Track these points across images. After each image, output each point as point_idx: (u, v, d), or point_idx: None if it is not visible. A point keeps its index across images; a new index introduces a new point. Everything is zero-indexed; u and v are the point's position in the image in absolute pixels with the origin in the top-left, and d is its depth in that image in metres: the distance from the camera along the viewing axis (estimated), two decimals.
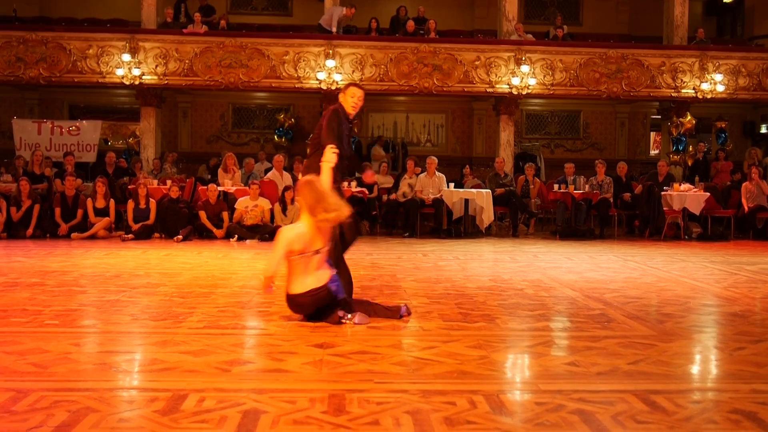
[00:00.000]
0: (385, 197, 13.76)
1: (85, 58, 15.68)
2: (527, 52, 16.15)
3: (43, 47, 15.61)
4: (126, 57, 15.52)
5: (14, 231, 11.69)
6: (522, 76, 16.04)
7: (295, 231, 5.28)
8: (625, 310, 6.02)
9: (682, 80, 16.45)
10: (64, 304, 6.01)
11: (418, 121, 19.50)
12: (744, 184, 13.56)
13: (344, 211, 5.28)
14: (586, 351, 4.62)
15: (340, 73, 15.76)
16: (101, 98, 18.90)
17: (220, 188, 12.72)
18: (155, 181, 13.52)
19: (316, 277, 5.25)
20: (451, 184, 13.32)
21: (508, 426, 3.27)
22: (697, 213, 12.92)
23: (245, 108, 19.42)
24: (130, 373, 4.10)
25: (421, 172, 13.60)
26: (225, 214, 12.12)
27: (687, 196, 12.85)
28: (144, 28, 16.24)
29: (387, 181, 14.34)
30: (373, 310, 5.48)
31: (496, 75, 16.12)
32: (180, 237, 11.48)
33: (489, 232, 13.41)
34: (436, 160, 13.63)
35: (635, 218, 13.86)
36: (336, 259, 5.60)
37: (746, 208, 13.32)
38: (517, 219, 13.60)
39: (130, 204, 12.12)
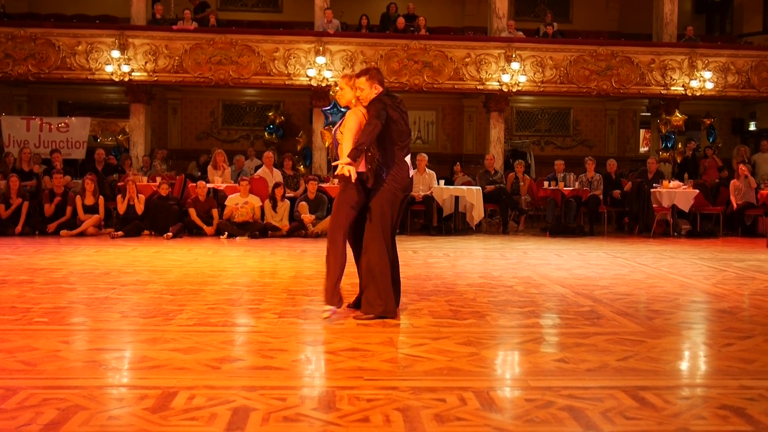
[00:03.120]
0: None
1: (74, 55, 15.60)
2: (517, 49, 16.17)
3: (32, 43, 15.53)
4: (115, 53, 15.45)
5: (3, 228, 11.64)
6: (512, 73, 16.06)
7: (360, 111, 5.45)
8: (615, 307, 6.04)
9: (671, 77, 16.51)
10: (53, 302, 5.99)
11: (409, 117, 19.43)
12: (732, 182, 13.62)
13: None
14: (575, 347, 4.63)
15: (331, 70, 15.74)
16: (90, 95, 18.82)
17: (209, 185, 12.69)
18: (145, 178, 13.48)
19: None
20: (441, 181, 13.32)
21: (497, 422, 3.28)
22: (686, 210, 12.98)
23: (235, 105, 19.38)
24: (119, 371, 4.09)
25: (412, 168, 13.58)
26: (215, 211, 12.10)
27: (676, 193, 12.90)
28: (133, 24, 16.16)
29: None
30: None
31: (487, 72, 16.14)
32: (170, 234, 11.45)
33: (479, 229, 13.43)
34: (427, 157, 13.62)
35: (625, 215, 13.91)
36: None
37: (735, 205, 13.38)
38: (507, 216, 13.63)
39: (119, 201, 12.09)
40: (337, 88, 5.60)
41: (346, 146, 5.31)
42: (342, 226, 5.41)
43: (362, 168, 5.43)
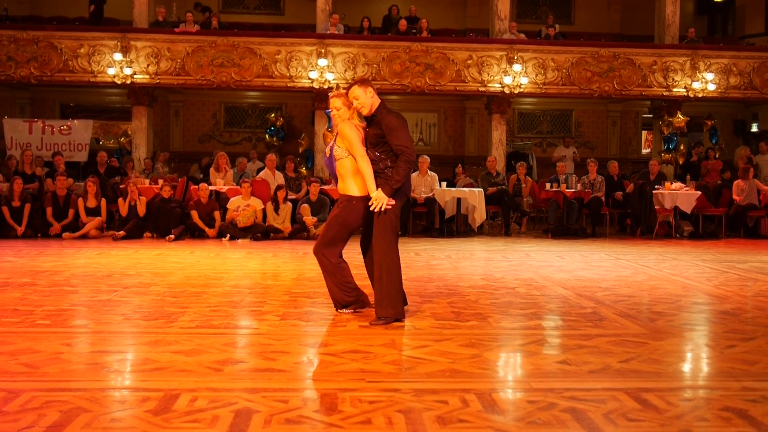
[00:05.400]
0: None
1: (77, 57, 15.63)
2: (519, 51, 16.18)
3: (34, 46, 15.56)
4: (117, 56, 15.48)
5: (5, 231, 11.65)
6: (514, 75, 16.07)
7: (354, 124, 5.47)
8: (617, 309, 6.04)
9: (673, 79, 16.51)
10: (55, 304, 5.99)
11: (411, 120, 19.48)
12: (736, 182, 13.60)
13: None
14: (577, 349, 4.63)
15: (332, 72, 15.76)
16: (93, 97, 18.85)
17: (211, 187, 12.70)
18: (147, 181, 13.50)
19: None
20: (444, 183, 13.33)
21: (500, 424, 3.27)
22: (689, 211, 12.96)
23: (237, 107, 19.40)
24: (121, 373, 4.09)
25: (414, 170, 13.59)
26: (217, 214, 12.11)
27: (678, 194, 12.89)
28: (136, 27, 16.20)
29: None
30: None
31: (489, 74, 16.15)
32: (172, 236, 11.46)
33: (481, 231, 13.43)
34: (429, 159, 13.64)
35: (627, 217, 13.91)
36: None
37: (737, 198, 13.32)
38: (510, 218, 13.63)
39: (121, 203, 12.11)
40: (333, 110, 5.52)
41: (361, 164, 5.36)
42: (340, 242, 5.52)
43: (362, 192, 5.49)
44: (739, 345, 4.82)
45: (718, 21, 22.26)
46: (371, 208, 5.35)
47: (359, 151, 5.38)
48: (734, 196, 13.45)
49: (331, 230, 5.50)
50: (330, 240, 5.48)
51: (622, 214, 14.15)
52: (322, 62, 15.70)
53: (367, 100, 5.46)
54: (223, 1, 20.10)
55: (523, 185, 14.57)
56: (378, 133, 5.44)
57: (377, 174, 5.44)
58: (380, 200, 5.32)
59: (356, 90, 5.47)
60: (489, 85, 16.20)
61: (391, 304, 5.35)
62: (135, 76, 15.64)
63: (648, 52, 16.60)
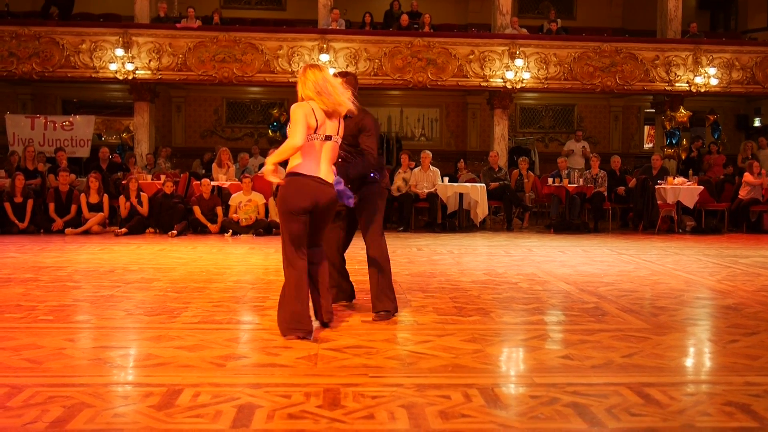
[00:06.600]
0: None
1: (78, 53, 15.63)
2: (521, 46, 16.16)
3: (36, 42, 15.56)
4: (119, 52, 15.47)
5: (7, 227, 11.67)
6: (516, 70, 16.05)
7: (310, 105, 4.71)
8: (619, 304, 6.03)
9: (675, 74, 16.48)
10: (58, 300, 6.00)
11: (413, 115, 19.51)
12: (746, 174, 13.54)
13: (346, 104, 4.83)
14: (580, 344, 4.63)
15: (335, 68, 15.72)
16: (94, 93, 18.87)
17: (214, 183, 12.70)
18: (149, 176, 13.50)
19: (326, 170, 4.83)
20: (446, 179, 13.32)
21: (502, 419, 3.27)
22: (691, 206, 12.96)
23: (239, 102, 19.39)
24: (124, 369, 4.09)
25: (416, 166, 13.60)
26: (219, 209, 12.11)
27: (681, 189, 12.88)
28: (137, 22, 16.19)
29: None
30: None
31: (490, 69, 16.13)
32: (174, 232, 11.47)
33: (483, 226, 13.43)
34: (431, 155, 13.63)
35: (629, 212, 13.90)
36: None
37: (743, 195, 13.35)
38: (512, 213, 13.62)
39: (122, 199, 12.12)
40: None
41: (289, 142, 4.78)
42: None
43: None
44: (741, 340, 4.81)
45: (720, 16, 22.22)
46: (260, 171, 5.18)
47: (294, 130, 4.71)
48: (743, 186, 13.43)
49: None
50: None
51: (624, 209, 14.14)
52: (324, 57, 15.69)
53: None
54: None
55: (526, 180, 14.57)
56: (354, 133, 5.31)
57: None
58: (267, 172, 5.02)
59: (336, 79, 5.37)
60: (491, 80, 16.18)
61: (389, 297, 5.36)
62: (137, 72, 15.64)
63: (650, 46, 16.57)
